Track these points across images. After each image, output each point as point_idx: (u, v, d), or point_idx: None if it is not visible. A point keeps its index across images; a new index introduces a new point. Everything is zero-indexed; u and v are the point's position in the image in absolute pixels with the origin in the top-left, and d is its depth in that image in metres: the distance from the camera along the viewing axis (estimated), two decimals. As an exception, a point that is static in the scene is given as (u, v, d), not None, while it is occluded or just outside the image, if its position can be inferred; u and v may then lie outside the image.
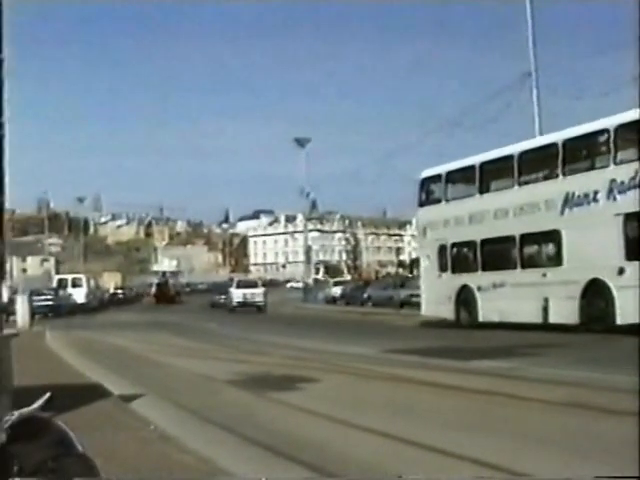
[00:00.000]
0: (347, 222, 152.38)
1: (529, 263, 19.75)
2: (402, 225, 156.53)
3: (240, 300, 44.40)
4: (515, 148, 20.45)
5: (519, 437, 6.47)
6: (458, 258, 22.62)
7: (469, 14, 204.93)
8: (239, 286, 47.04)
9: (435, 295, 23.24)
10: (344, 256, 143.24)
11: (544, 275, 18.85)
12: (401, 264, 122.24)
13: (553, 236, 18.67)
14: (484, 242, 21.23)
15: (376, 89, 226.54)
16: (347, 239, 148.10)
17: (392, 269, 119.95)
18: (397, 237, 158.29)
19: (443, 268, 22.93)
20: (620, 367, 10.53)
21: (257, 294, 44.87)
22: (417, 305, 34.76)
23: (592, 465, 5.44)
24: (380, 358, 13.87)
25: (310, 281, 64.15)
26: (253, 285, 48.33)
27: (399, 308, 37.79)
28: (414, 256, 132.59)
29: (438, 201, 23.43)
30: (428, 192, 24.13)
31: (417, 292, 38.15)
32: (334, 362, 13.24)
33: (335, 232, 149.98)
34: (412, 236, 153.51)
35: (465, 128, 34.43)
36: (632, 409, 6.99)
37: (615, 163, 16.94)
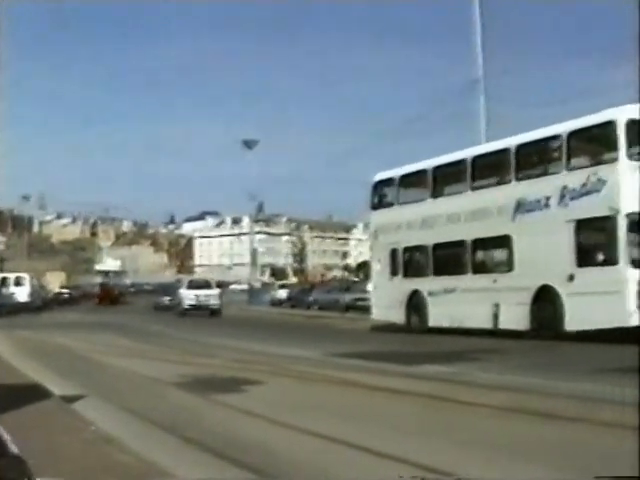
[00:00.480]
0: (294, 225, 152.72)
1: (480, 268, 19.72)
2: (348, 229, 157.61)
3: (192, 303, 40.16)
4: (468, 153, 20.44)
5: (462, 441, 6.48)
6: (409, 262, 22.52)
7: (419, 20, 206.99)
8: (191, 287, 42.84)
9: (386, 299, 23.10)
10: (290, 259, 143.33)
11: (495, 281, 18.83)
12: (347, 268, 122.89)
13: (504, 242, 18.65)
14: (436, 247, 21.16)
15: (325, 93, 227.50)
16: (293, 242, 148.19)
17: (338, 272, 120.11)
18: (343, 240, 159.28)
19: (394, 272, 22.81)
20: (562, 373, 10.93)
21: (211, 296, 40.93)
22: (362, 309, 35.74)
23: (534, 469, 5.51)
24: (325, 361, 13.84)
25: (257, 283, 63.80)
26: (206, 286, 43.27)
27: (344, 312, 38.11)
28: (360, 260, 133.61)
29: (390, 205, 23.32)
30: (381, 195, 24.01)
31: (363, 296, 38.66)
32: (279, 365, 13.20)
33: (281, 235, 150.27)
34: (358, 240, 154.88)
35: (412, 133, 34.88)
36: (572, 414, 7.38)
37: (567, 169, 16.97)
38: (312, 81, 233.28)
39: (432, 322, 21.05)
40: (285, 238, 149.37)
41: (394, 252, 22.80)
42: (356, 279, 64.68)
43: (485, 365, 12.60)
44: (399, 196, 23.08)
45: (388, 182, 23.55)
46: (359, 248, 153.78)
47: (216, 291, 42.27)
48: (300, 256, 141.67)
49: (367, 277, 62.92)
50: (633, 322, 15.30)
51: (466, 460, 5.80)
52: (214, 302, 40.39)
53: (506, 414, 7.79)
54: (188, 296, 40.75)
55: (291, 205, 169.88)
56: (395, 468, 5.58)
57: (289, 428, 7.34)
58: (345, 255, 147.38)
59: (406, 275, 22.37)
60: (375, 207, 24.01)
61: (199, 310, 39.26)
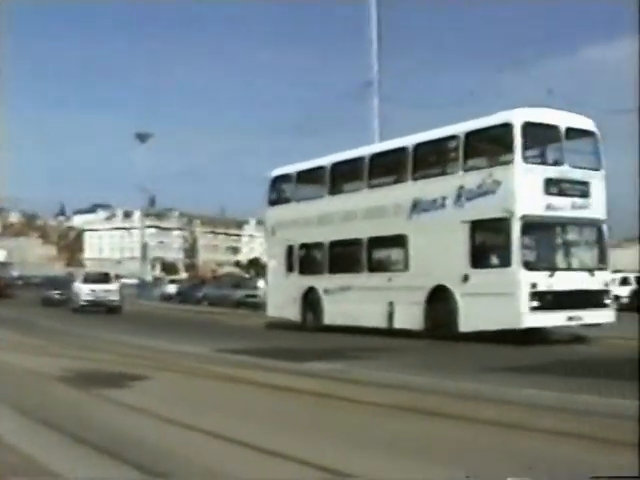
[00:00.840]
0: (185, 220, 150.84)
1: (376, 267, 19.68)
2: (240, 225, 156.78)
3: (89, 298, 35.69)
4: (366, 150, 20.40)
5: (349, 439, 6.52)
6: (306, 259, 22.34)
7: (315, 20, 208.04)
8: (87, 280, 38.00)
9: (281, 296, 22.86)
10: (181, 254, 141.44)
11: (390, 280, 18.83)
12: (238, 264, 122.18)
13: (400, 241, 18.66)
14: (332, 244, 21.04)
15: (220, 89, 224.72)
16: (185, 237, 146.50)
17: (230, 268, 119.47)
18: (235, 237, 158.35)
19: (290, 269, 22.59)
20: (449, 372, 11.19)
21: (111, 291, 36.40)
22: (253, 305, 37.20)
23: (417, 466, 5.56)
24: (214, 357, 13.73)
25: (149, 278, 62.51)
26: (105, 280, 38.36)
27: (235, 308, 38.08)
28: (252, 256, 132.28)
29: (288, 201, 23.08)
30: (278, 191, 23.74)
31: (253, 292, 39.95)
32: (167, 360, 13.03)
33: (173, 229, 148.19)
34: (250, 236, 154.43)
35: (306, 132, 34.74)
36: (455, 412, 7.53)
37: (464, 170, 17.08)
38: (208, 77, 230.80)
39: (327, 320, 20.92)
40: (176, 233, 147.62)
41: (290, 249, 22.58)
42: (247, 275, 65.66)
43: (373, 363, 12.73)
44: (296, 192, 22.87)
45: (286, 178, 23.31)
46: (251, 244, 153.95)
47: (115, 285, 38.06)
48: (191, 251, 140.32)
49: (258, 274, 63.53)
50: (525, 324, 15.53)
51: (353, 457, 5.82)
52: (113, 298, 36.05)
53: (393, 412, 7.84)
54: (84, 291, 36.37)
55: (183, 200, 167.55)
56: (282, 465, 5.59)
57: (175, 424, 7.23)
58: (236, 251, 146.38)
59: (302, 272, 22.17)
60: (272, 203, 23.72)
61: (97, 306, 35.29)
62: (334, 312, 20.63)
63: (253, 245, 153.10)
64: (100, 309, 34.74)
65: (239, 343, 16.86)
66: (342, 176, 21.36)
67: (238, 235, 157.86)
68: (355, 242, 20.03)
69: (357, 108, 30.62)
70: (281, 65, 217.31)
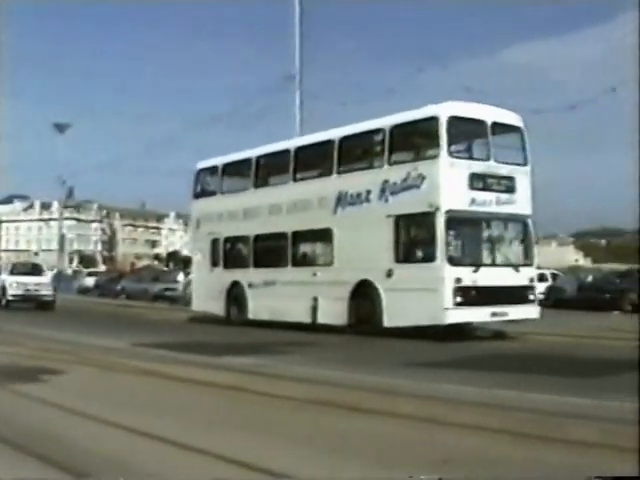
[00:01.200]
0: (104, 212, 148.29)
1: (300, 261, 19.41)
2: (160, 218, 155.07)
3: (18, 292, 30.90)
4: (292, 143, 20.11)
5: (264, 433, 6.49)
6: (231, 253, 21.95)
7: (239, 13, 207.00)
8: (15, 272, 32.96)
9: (206, 290, 22.42)
10: (100, 246, 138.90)
11: (314, 274, 18.58)
12: (157, 257, 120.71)
13: (325, 235, 18.41)
14: (257, 238, 20.70)
15: (142, 80, 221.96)
16: (104, 229, 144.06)
17: (149, 262, 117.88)
18: (155, 230, 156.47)
19: (215, 263, 22.16)
20: (367, 367, 11.19)
21: (43, 284, 31.81)
22: (171, 299, 37.28)
23: (334, 461, 5.52)
24: (132, 351, 13.53)
25: (68, 270, 61.03)
26: (35, 271, 33.68)
27: (153, 301, 37.90)
28: (171, 249, 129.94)
29: (213, 193, 22.64)
30: (203, 184, 23.28)
31: (172, 286, 39.55)
32: (85, 354, 12.79)
33: (92, 222, 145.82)
34: (170, 229, 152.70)
35: (228, 125, 34.42)
36: (373, 407, 7.50)
37: (389, 164, 16.91)
38: (131, 68, 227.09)
39: (252, 315, 20.59)
40: (95, 225, 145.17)
41: (215, 242, 22.16)
42: (166, 269, 65.22)
43: (291, 358, 12.71)
44: (222, 185, 22.45)
45: (211, 170, 22.87)
46: (170, 238, 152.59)
47: (47, 278, 33.95)
48: (110, 244, 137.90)
49: (177, 267, 62.87)
50: (448, 320, 15.44)
51: (269, 452, 5.77)
52: (46, 292, 31.26)
53: (310, 406, 7.83)
54: (12, 284, 31.40)
55: (103, 192, 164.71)
56: (199, 460, 5.56)
57: (91, 419, 7.11)
58: (155, 244, 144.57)
59: (226, 266, 21.78)
60: (197, 196, 23.25)
61: (27, 301, 30.85)
62: (259, 307, 20.32)
63: (173, 238, 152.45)
64: (30, 305, 30.68)
65: (157, 337, 16.54)
66: (268, 169, 21.01)
67: (158, 228, 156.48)
68: (280, 236, 19.73)
69: (279, 102, 30.53)
70: (204, 58, 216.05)
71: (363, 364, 11.84)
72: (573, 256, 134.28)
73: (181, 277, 41.15)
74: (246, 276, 20.84)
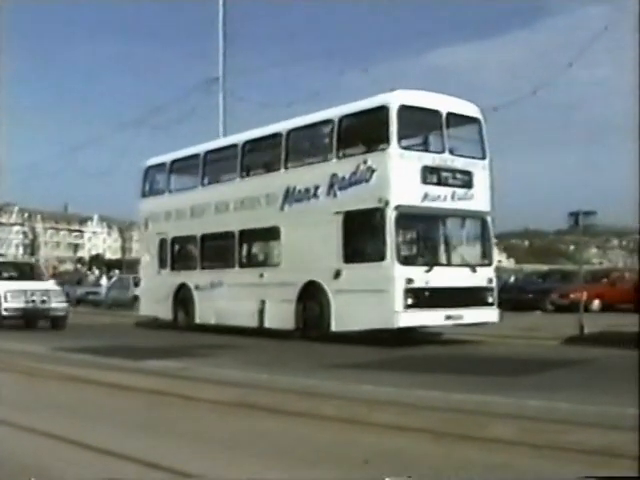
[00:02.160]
0: (26, 215, 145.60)
1: (248, 262, 18.25)
2: (83, 221, 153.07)
3: (18, 306, 20.32)
4: (240, 137, 18.88)
5: (185, 437, 6.37)
6: (178, 254, 20.77)
7: (163, 14, 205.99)
8: (5, 275, 22.50)
9: (153, 293, 21.23)
10: (21, 250, 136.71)
11: (261, 275, 17.38)
12: (80, 260, 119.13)
13: (272, 233, 17.23)
14: (204, 237, 19.51)
15: (63, 81, 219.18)
16: (25, 233, 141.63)
17: (71, 265, 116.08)
18: (77, 233, 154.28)
19: (163, 264, 20.97)
20: (290, 370, 11.02)
21: (51, 293, 21.13)
22: (94, 302, 37.25)
23: (256, 463, 5.43)
24: (52, 356, 13.18)
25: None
26: (34, 274, 22.95)
27: (75, 305, 36.73)
28: (94, 253, 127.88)
29: (161, 192, 21.43)
30: (151, 182, 22.05)
31: (94, 289, 39.67)
32: (4, 360, 12.40)
33: (13, 225, 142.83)
34: (93, 233, 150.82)
35: (152, 126, 34.58)
36: (296, 409, 7.54)
37: (337, 157, 15.76)
38: (54, 70, 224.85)
39: (199, 319, 19.40)
40: (16, 228, 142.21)
41: (163, 243, 20.96)
42: (89, 272, 65.97)
43: (213, 361, 12.43)
44: (170, 183, 21.25)
45: (159, 168, 21.64)
46: (93, 241, 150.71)
47: (54, 284, 23.32)
48: (32, 247, 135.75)
49: (101, 270, 61.90)
50: (399, 323, 14.26)
51: (191, 456, 5.66)
52: (57, 304, 21.00)
53: (233, 409, 7.76)
54: (6, 294, 20.34)
55: (24, 194, 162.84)
56: (117, 465, 5.43)
57: (8, 425, 6.86)
58: (77, 248, 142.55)
59: (174, 267, 20.59)
60: (145, 195, 22.04)
61: (30, 318, 21.27)
62: (206, 310, 19.12)
63: (96, 241, 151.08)
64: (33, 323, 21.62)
65: (80, 341, 15.87)
66: (215, 165, 19.82)
67: (81, 231, 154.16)
68: (227, 235, 18.55)
69: (204, 104, 31.31)
70: (126, 59, 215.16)
71: (287, 366, 11.62)
72: (496, 257, 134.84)
73: (104, 281, 41.27)
74: (193, 278, 19.65)
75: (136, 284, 34.68)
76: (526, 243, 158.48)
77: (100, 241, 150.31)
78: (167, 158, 21.28)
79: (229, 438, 6.29)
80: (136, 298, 33.39)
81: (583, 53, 22.45)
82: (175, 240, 20.65)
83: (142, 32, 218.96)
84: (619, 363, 11.57)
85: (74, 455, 5.75)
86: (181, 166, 20.98)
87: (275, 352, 14.55)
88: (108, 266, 73.95)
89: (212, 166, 19.69)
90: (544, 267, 52.74)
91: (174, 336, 18.06)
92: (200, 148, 19.99)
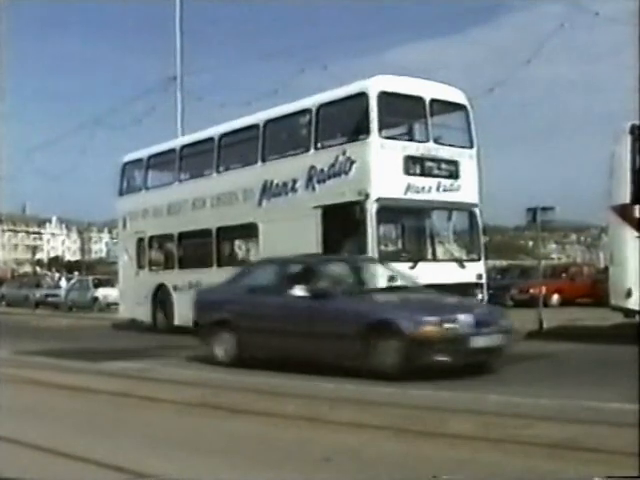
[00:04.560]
0: None
1: (226, 261, 17.33)
2: (42, 222, 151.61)
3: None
4: (216, 130, 17.94)
5: (147, 438, 6.31)
6: (156, 253, 19.89)
7: (120, 12, 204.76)
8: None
9: (132, 295, 20.35)
10: None
11: None
12: (39, 263, 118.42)
13: (250, 230, 16.33)
14: (181, 236, 18.63)
15: (19, 81, 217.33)
16: None
17: (30, 268, 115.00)
18: (36, 235, 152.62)
19: (141, 265, 20.08)
20: (243, 370, 10.65)
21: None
22: (53, 305, 36.97)
23: (217, 463, 5.40)
24: (12, 359, 12.82)
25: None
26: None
27: (34, 308, 37.23)
28: (53, 255, 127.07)
29: (138, 189, 20.52)
30: (128, 179, 21.12)
31: (54, 292, 39.27)
32: None
33: None
34: (52, 234, 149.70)
35: (108, 127, 34.05)
36: (256, 408, 7.40)
37: (315, 148, 14.87)
38: (9, 69, 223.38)
39: (178, 321, 18.46)
40: None
41: (141, 242, 20.08)
42: (48, 274, 66.54)
43: (171, 361, 12.24)
44: (147, 179, 20.34)
45: (136, 164, 20.74)
46: (52, 243, 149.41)
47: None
48: None
49: (59, 272, 61.20)
50: None
51: (153, 457, 5.61)
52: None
53: (192, 409, 7.66)
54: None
55: None
56: (80, 468, 5.36)
57: None
58: (36, 250, 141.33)
59: (152, 268, 19.72)
60: (122, 193, 21.14)
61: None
62: (185, 312, 18.17)
63: (55, 243, 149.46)
64: None
65: (40, 344, 15.47)
66: (191, 160, 18.87)
67: (39, 233, 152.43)
68: (204, 233, 17.65)
69: (161, 104, 30.92)
70: (83, 58, 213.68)
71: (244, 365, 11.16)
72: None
73: (63, 283, 41.10)
74: (171, 278, 18.77)
75: (95, 285, 35.88)
76: (485, 239, 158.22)
77: (59, 243, 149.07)
78: (144, 153, 20.40)
79: (191, 438, 6.22)
80: (96, 299, 34.48)
81: (540, 50, 22.54)
82: (153, 239, 19.78)
83: (99, 31, 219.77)
84: (577, 357, 11.65)
85: (33, 458, 5.64)
86: (158, 161, 20.06)
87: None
88: (67, 268, 73.33)
89: (188, 161, 18.80)
90: (504, 263, 52.30)
91: (136, 337, 17.71)
92: (176, 142, 19.17)
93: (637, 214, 12.77)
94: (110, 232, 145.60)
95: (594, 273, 30.04)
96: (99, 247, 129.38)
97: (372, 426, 6.34)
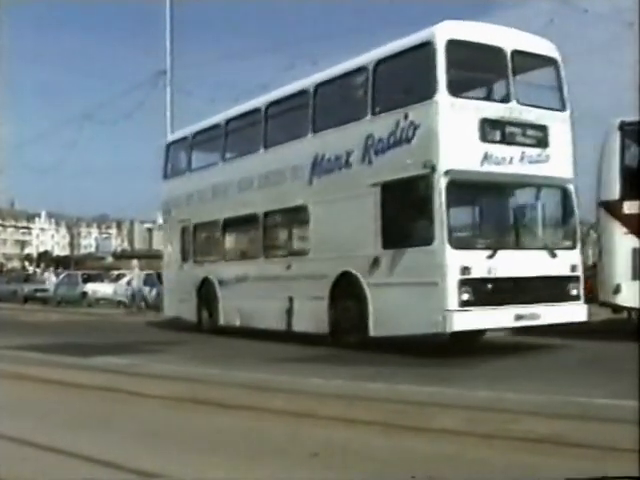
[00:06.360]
0: None
1: (273, 250, 15.05)
2: (31, 217, 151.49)
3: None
4: (263, 100, 15.55)
5: (134, 433, 6.26)
6: (202, 243, 17.72)
7: (110, 6, 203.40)
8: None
9: (176, 291, 18.27)
10: None
11: (289, 267, 14.13)
12: (28, 257, 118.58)
13: (300, 214, 13.94)
14: (227, 223, 16.36)
15: (5, 76, 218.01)
16: None
17: (19, 263, 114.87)
18: (25, 230, 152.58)
19: (185, 256, 17.93)
20: (239, 364, 10.84)
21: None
22: (42, 300, 37.47)
23: (207, 459, 5.26)
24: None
25: None
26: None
27: (23, 303, 37.74)
28: (42, 249, 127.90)
29: (183, 172, 18.36)
30: (173, 161, 19.01)
31: (42, 287, 39.39)
32: None
33: None
34: (41, 229, 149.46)
35: (98, 121, 33.90)
36: (244, 403, 7.43)
37: (373, 113, 12.36)
38: None
39: (224, 320, 16.29)
40: None
41: (185, 231, 17.94)
42: (37, 269, 67.07)
43: (161, 357, 12.28)
44: (192, 160, 18.16)
45: (180, 144, 18.62)
46: (41, 237, 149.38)
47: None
48: None
49: (48, 267, 61.25)
50: (453, 327, 10.76)
51: (138, 451, 5.53)
52: None
53: (179, 404, 7.61)
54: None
55: None
56: (68, 463, 5.23)
57: None
58: (24, 245, 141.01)
59: (197, 260, 17.53)
60: (166, 176, 19.02)
61: None
62: (231, 310, 16.00)
63: (44, 238, 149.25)
64: None
65: (27, 339, 15.23)
66: (237, 135, 16.48)
67: (28, 228, 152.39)
68: (251, 218, 15.34)
69: (151, 98, 30.38)
70: (73, 53, 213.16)
71: (235, 361, 11.52)
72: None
73: (52, 278, 41.49)
74: (217, 271, 16.55)
75: (84, 280, 36.15)
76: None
77: (48, 237, 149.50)
78: (188, 131, 18.22)
79: (179, 433, 6.18)
80: (85, 294, 34.85)
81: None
82: (197, 227, 17.57)
83: (88, 25, 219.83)
84: (565, 353, 11.65)
85: (21, 454, 5.53)
86: (203, 139, 17.78)
87: (221, 347, 13.98)
88: (57, 263, 73.91)
89: (234, 136, 16.43)
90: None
91: (127, 332, 17.69)
92: (222, 116, 16.83)
93: (626, 210, 12.87)
94: (99, 227, 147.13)
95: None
96: (88, 242, 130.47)
97: (360, 421, 6.33)
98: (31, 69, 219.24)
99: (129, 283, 30.49)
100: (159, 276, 28.97)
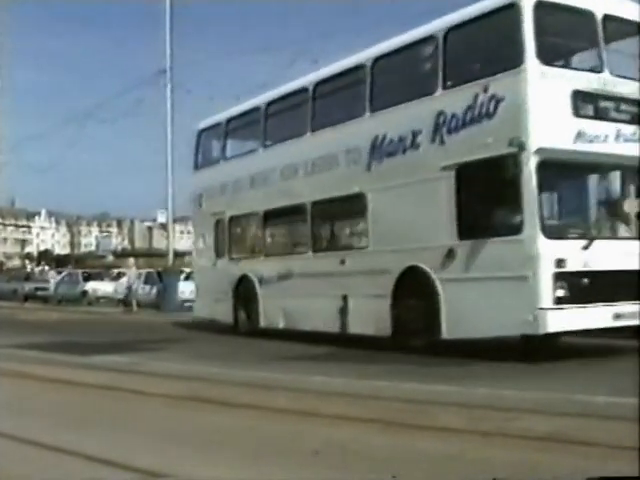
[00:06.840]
0: None
1: (324, 244, 13.67)
2: (31, 216, 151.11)
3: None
4: (310, 79, 14.14)
5: (137, 432, 6.19)
6: (238, 238, 16.36)
7: (109, 5, 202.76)
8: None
9: (210, 289, 16.87)
10: None
11: (342, 262, 12.74)
12: (28, 256, 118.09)
13: (356, 203, 12.52)
14: (268, 215, 14.98)
15: (6, 74, 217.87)
16: None
17: (19, 261, 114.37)
18: (25, 228, 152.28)
19: (219, 252, 16.56)
20: (241, 362, 10.84)
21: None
22: (42, 298, 37.25)
23: (208, 457, 5.22)
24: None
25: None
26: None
27: (23, 301, 37.74)
28: (43, 248, 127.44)
29: (217, 161, 16.98)
30: (205, 149, 17.63)
31: (43, 285, 39.28)
32: None
33: None
34: (41, 228, 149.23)
35: (98, 120, 33.63)
36: (247, 401, 7.29)
37: (444, 87, 10.95)
38: None
39: (264, 322, 14.93)
40: None
41: (219, 224, 16.57)
42: (38, 268, 67.47)
43: (162, 355, 12.20)
44: (226, 148, 16.78)
45: (213, 130, 17.19)
46: (42, 236, 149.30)
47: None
48: None
49: (49, 266, 60.52)
50: (547, 327, 9.39)
51: (141, 450, 5.46)
52: None
53: (182, 403, 7.54)
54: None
55: None
56: (69, 462, 5.16)
57: None
58: (25, 243, 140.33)
59: (232, 255, 16.16)
60: (197, 166, 17.64)
61: None
62: (272, 311, 14.64)
63: (44, 237, 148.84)
64: None
65: (30, 338, 15.18)
66: (280, 118, 15.09)
67: (28, 227, 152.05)
68: (296, 209, 13.97)
69: (150, 96, 32.22)
70: (73, 51, 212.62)
71: (236, 359, 11.53)
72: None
73: (53, 276, 41.29)
74: (256, 268, 15.17)
75: (85, 279, 36.09)
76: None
77: (48, 236, 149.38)
78: (222, 117, 16.83)
79: (181, 431, 6.09)
80: (85, 293, 34.83)
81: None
82: (233, 220, 16.21)
83: (88, 24, 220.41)
84: (560, 350, 10.88)
85: (23, 453, 5.44)
86: (239, 125, 16.40)
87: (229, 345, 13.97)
88: (57, 261, 73.76)
89: (276, 120, 15.03)
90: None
91: (125, 330, 17.69)
92: (261, 99, 15.45)
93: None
94: (99, 226, 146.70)
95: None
96: (88, 240, 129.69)
97: (361, 419, 6.27)
98: (30, 68, 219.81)
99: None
100: (159, 274, 28.43)
